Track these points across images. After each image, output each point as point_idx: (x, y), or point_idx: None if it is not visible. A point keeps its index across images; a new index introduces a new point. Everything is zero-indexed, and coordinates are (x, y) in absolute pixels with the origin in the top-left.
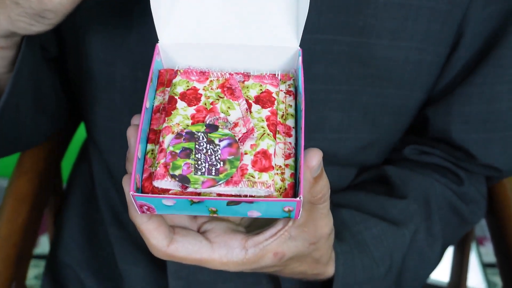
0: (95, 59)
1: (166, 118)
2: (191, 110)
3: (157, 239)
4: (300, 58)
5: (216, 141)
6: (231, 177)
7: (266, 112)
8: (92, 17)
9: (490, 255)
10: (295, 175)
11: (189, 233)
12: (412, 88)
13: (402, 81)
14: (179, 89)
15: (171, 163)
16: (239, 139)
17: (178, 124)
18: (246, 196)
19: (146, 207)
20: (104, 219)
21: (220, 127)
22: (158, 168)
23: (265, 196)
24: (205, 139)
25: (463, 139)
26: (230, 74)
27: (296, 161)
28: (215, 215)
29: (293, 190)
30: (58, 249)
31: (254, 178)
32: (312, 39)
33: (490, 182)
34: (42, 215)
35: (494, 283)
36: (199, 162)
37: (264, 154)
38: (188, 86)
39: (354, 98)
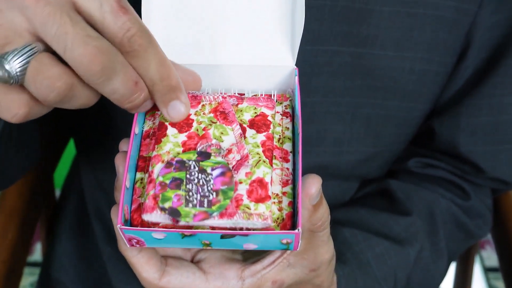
0: None
1: (156, 146)
2: (182, 137)
3: (148, 272)
4: (297, 77)
5: (209, 170)
6: (225, 209)
7: (261, 137)
8: None
9: (492, 259)
10: (294, 204)
11: (182, 264)
12: (417, 99)
13: (407, 92)
14: None
15: (160, 195)
16: (233, 167)
17: (169, 152)
18: (241, 229)
19: (135, 240)
20: (97, 236)
21: (212, 154)
22: (147, 201)
23: (262, 229)
24: (196, 168)
25: (470, 152)
26: (223, 97)
27: (294, 188)
28: (208, 248)
29: (292, 220)
30: (51, 265)
31: (250, 209)
32: (313, 51)
33: (496, 194)
34: (33, 230)
35: None
36: (190, 193)
37: (260, 182)
38: None
39: (356, 110)
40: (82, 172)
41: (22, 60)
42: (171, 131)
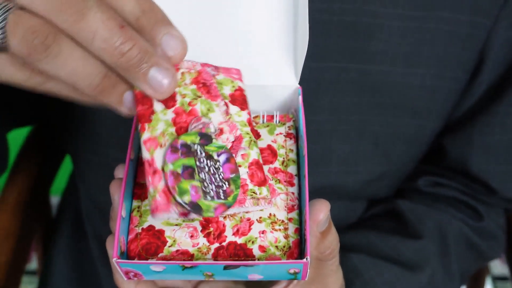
0: None
1: (147, 125)
2: (171, 114)
3: None
4: (300, 97)
5: (215, 156)
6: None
7: (245, 115)
8: None
9: (500, 267)
10: (300, 231)
11: None
12: (427, 116)
13: (417, 109)
14: None
15: (176, 187)
16: (231, 150)
17: (163, 134)
18: (244, 259)
19: (132, 273)
20: (94, 256)
21: (213, 137)
22: (158, 197)
23: (266, 259)
24: (203, 154)
25: (483, 171)
26: (202, 64)
27: (301, 214)
28: (211, 279)
29: (299, 248)
30: (47, 286)
31: (256, 194)
32: (319, 68)
33: (509, 212)
34: (28, 252)
35: None
36: (205, 184)
37: (257, 165)
38: None
39: (364, 129)
40: (79, 190)
41: None
42: (158, 106)
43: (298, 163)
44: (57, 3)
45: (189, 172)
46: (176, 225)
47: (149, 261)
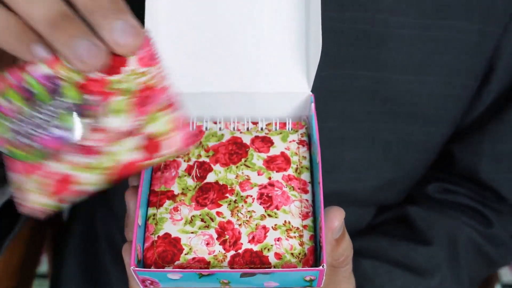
0: None
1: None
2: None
3: None
4: (313, 104)
5: (53, 122)
6: None
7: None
8: None
9: (509, 274)
10: (315, 238)
11: None
12: (437, 123)
13: (427, 117)
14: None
15: (7, 88)
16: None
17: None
18: (261, 266)
19: (149, 281)
20: (106, 260)
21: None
22: None
23: (282, 266)
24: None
25: (492, 179)
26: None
27: (315, 221)
28: (227, 286)
29: (314, 256)
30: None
31: (41, 199)
32: (330, 75)
33: None
34: (39, 255)
35: None
36: (23, 117)
37: (63, 179)
38: None
39: (374, 136)
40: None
41: None
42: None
43: (311, 170)
44: None
45: (28, 96)
46: (192, 232)
47: (166, 269)
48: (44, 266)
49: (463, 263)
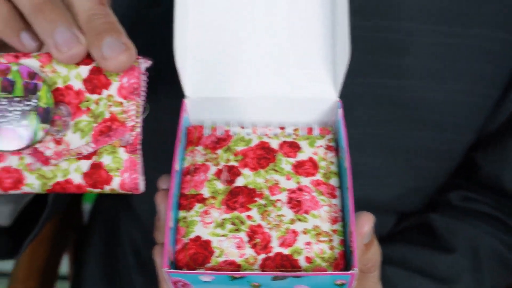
0: None
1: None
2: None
3: None
4: (341, 110)
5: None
6: None
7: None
8: None
9: None
10: (345, 242)
11: None
12: (459, 131)
13: (448, 125)
14: None
15: None
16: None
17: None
18: (291, 270)
19: (181, 283)
20: (129, 264)
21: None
22: None
23: (312, 270)
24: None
25: None
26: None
27: (345, 226)
28: None
29: (344, 260)
30: None
31: None
32: (353, 83)
33: None
34: (61, 256)
35: None
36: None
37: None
38: None
39: (396, 143)
40: (114, 198)
41: None
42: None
43: (339, 175)
44: None
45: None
46: (223, 235)
47: (199, 271)
48: (64, 268)
49: (485, 272)
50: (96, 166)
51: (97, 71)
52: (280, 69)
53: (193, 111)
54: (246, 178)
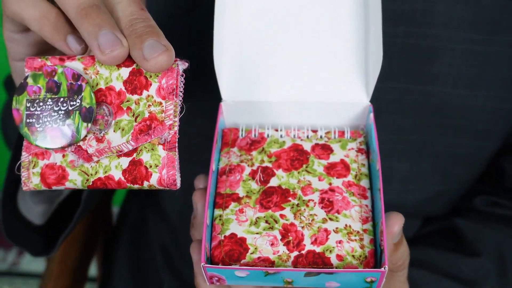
0: None
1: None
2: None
3: None
4: (372, 114)
5: (66, 121)
6: None
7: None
8: None
9: None
10: (375, 241)
11: None
12: (487, 137)
13: (477, 131)
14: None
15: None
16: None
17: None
18: (323, 267)
19: (216, 278)
20: (158, 264)
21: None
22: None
23: (343, 267)
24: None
25: None
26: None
27: (375, 225)
28: (290, 286)
29: (374, 258)
30: None
31: (32, 170)
32: (382, 88)
33: None
34: (92, 255)
35: None
36: (42, 104)
37: (58, 171)
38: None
39: (424, 148)
40: (143, 200)
41: None
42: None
43: (370, 177)
44: None
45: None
46: (257, 233)
47: (234, 266)
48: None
49: (510, 276)
50: (136, 163)
51: (137, 72)
52: (313, 74)
53: (229, 114)
54: (280, 178)
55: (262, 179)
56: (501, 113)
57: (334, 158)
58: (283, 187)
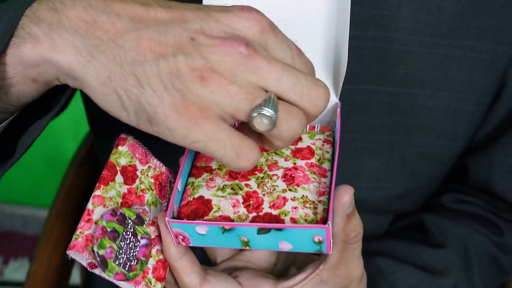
0: None
1: (102, 187)
2: (125, 189)
3: (190, 277)
4: (339, 109)
5: (139, 236)
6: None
7: None
8: None
9: None
10: (328, 211)
11: (221, 274)
12: (452, 137)
13: (442, 131)
14: (123, 161)
15: (99, 240)
16: (152, 240)
17: (111, 199)
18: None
19: (181, 237)
20: None
21: (145, 222)
22: (80, 239)
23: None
24: (132, 229)
25: (505, 190)
26: (166, 169)
27: (330, 199)
28: (247, 247)
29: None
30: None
31: (151, 284)
32: (353, 90)
33: None
34: (72, 264)
35: None
36: (121, 251)
37: (163, 264)
38: (131, 162)
39: (392, 148)
40: None
41: (273, 107)
42: (119, 178)
43: (332, 162)
44: (321, 102)
45: (114, 235)
46: (222, 197)
47: (195, 221)
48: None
49: (475, 269)
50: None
51: None
52: None
53: None
54: None
55: None
56: (464, 114)
57: (301, 145)
58: None
